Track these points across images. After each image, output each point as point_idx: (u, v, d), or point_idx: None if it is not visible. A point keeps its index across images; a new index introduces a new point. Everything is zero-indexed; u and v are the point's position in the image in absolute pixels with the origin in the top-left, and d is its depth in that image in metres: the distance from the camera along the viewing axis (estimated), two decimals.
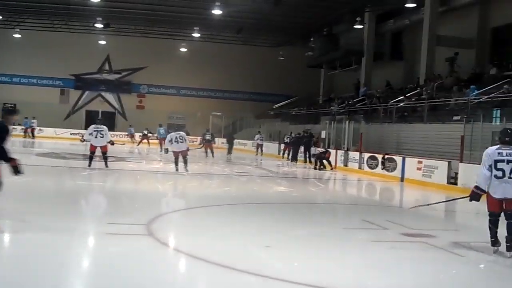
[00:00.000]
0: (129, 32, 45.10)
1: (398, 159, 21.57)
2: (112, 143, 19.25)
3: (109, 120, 45.69)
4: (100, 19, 40.13)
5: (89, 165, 18.63)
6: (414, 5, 28.43)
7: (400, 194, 18.83)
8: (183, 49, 47.79)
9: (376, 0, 32.96)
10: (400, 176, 21.04)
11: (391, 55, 37.53)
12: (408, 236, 9.27)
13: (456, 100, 23.23)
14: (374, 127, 27.03)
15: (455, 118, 21.73)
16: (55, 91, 48.83)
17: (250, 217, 10.81)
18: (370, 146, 24.84)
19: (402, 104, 26.91)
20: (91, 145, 18.52)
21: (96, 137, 18.25)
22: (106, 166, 18.72)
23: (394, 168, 21.59)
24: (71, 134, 43.61)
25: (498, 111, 20.19)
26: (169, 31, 44.70)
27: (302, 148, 29.75)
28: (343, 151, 26.07)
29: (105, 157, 18.77)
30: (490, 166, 7.91)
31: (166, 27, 43.39)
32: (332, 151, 26.64)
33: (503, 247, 7.79)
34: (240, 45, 46.77)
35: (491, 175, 7.89)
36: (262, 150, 36.31)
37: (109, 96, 50.46)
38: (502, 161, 7.85)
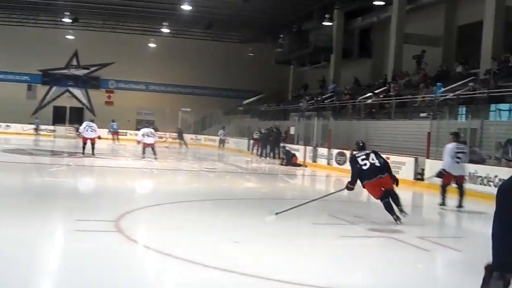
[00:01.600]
0: (97, 27, 44.67)
1: None
2: (99, 137, 24.08)
3: (77, 116, 45.18)
4: (68, 13, 39.69)
5: (83, 153, 23.23)
6: (382, 3, 28.72)
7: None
8: (152, 45, 47.48)
9: None
10: None
11: (360, 52, 37.85)
12: (375, 231, 9.39)
13: (423, 97, 23.52)
14: (342, 124, 27.18)
15: (422, 115, 22.01)
16: (22, 86, 48.06)
17: (219, 213, 10.83)
18: (339, 142, 24.98)
19: (370, 100, 27.16)
20: (83, 137, 23.49)
21: (87, 131, 23.25)
22: (93, 154, 22.98)
23: None
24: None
25: (464, 108, 20.53)
26: (138, 26, 44.41)
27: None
28: (312, 148, 26.19)
29: (93, 147, 23.35)
30: (452, 156, 12.38)
31: (135, 22, 43.12)
32: (301, 147, 26.77)
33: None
34: (210, 41, 46.69)
35: (453, 161, 12.38)
36: (224, 145, 36.49)
37: (77, 92, 49.83)
38: (460, 152, 12.58)
